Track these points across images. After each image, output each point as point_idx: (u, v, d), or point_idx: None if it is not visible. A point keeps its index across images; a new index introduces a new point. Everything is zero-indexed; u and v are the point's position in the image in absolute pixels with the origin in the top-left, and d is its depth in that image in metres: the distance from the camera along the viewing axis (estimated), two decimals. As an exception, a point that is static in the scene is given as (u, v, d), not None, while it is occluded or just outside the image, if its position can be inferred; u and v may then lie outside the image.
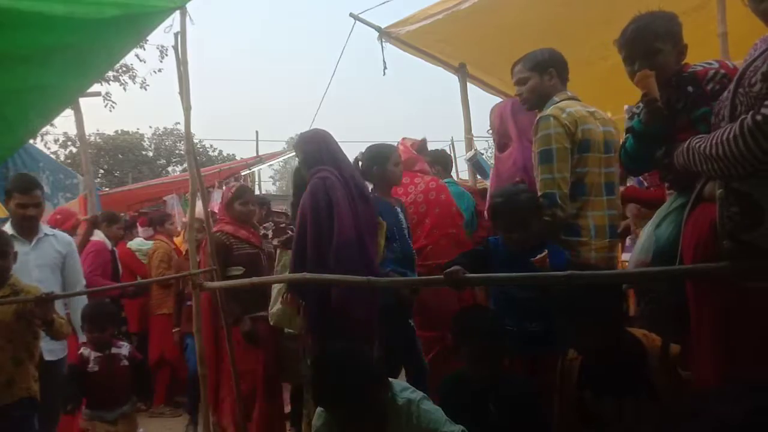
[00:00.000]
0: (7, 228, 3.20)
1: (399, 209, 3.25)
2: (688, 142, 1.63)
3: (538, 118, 2.45)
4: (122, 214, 6.87)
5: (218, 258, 3.21)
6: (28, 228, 3.24)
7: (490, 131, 3.37)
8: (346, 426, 1.92)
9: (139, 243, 5.81)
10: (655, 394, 1.84)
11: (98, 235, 5.08)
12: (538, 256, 2.22)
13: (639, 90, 1.93)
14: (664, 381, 1.83)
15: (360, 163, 3.24)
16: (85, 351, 3.06)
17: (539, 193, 2.38)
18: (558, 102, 2.51)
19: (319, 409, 2.03)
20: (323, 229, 2.64)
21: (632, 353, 1.90)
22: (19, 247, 3.00)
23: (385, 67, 4.35)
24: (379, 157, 3.23)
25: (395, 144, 4.05)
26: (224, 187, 8.56)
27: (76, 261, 3.53)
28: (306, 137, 2.99)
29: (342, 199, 2.66)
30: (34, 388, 2.71)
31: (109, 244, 5.09)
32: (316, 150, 2.86)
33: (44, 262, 3.26)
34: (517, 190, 2.46)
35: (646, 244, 1.99)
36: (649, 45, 1.90)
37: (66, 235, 3.55)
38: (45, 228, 3.40)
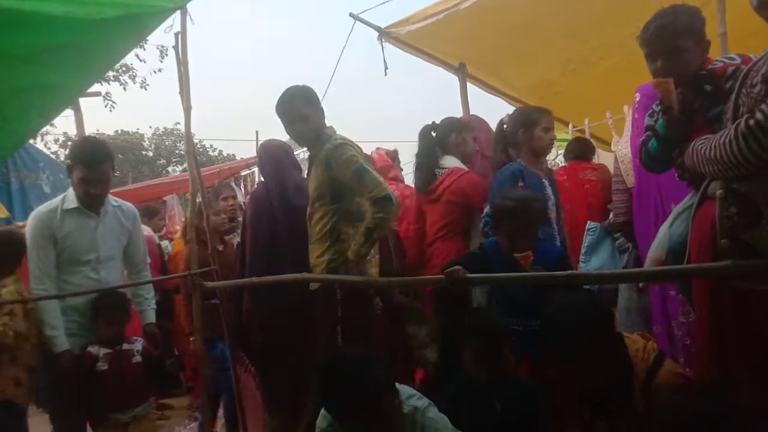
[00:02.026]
0: (70, 198, 2.88)
1: (547, 182, 2.91)
2: (693, 143, 1.63)
3: (336, 144, 2.57)
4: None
5: None
6: (92, 203, 2.91)
7: None
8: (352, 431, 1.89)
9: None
10: (639, 421, 1.78)
11: (145, 230, 5.08)
12: (521, 254, 2.24)
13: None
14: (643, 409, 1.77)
15: (505, 127, 3.15)
16: (92, 349, 2.82)
17: (380, 194, 2.46)
18: (332, 134, 2.67)
19: (324, 411, 2.01)
20: (244, 241, 3.15)
21: (620, 376, 1.83)
22: (85, 220, 2.87)
23: (386, 67, 4.34)
24: (526, 120, 3.01)
25: (388, 148, 4.12)
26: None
27: (140, 237, 3.23)
28: (260, 146, 3.39)
29: (258, 213, 3.07)
30: (14, 391, 2.62)
31: (156, 237, 5.06)
32: (262, 162, 3.23)
33: (111, 238, 2.98)
34: (529, 197, 2.46)
35: (662, 241, 1.99)
36: (672, 43, 1.88)
37: (132, 207, 3.19)
38: (111, 198, 3.05)
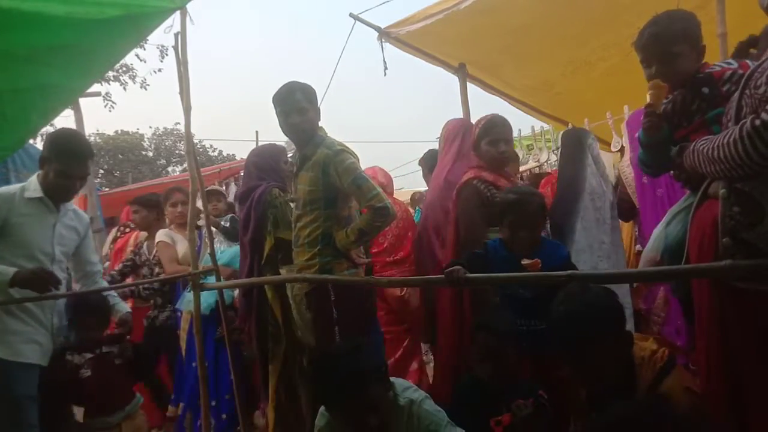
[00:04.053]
0: (33, 187, 2.67)
1: None
2: (694, 144, 1.63)
3: (336, 151, 2.58)
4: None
5: (472, 215, 2.70)
6: (61, 197, 2.75)
7: (438, 138, 3.48)
8: (348, 426, 1.90)
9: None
10: None
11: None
12: (529, 261, 2.24)
13: (641, 91, 1.93)
14: None
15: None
16: (71, 357, 2.71)
17: (378, 204, 2.49)
18: (325, 136, 2.69)
19: (322, 409, 2.03)
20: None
21: (622, 389, 1.78)
22: (45, 214, 2.68)
23: (386, 68, 4.34)
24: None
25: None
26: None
27: (91, 245, 3.07)
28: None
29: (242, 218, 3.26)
30: None
31: None
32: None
33: (67, 239, 2.82)
34: (532, 192, 2.49)
35: (657, 241, 2.00)
36: (667, 49, 1.89)
37: (85, 214, 3.03)
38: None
